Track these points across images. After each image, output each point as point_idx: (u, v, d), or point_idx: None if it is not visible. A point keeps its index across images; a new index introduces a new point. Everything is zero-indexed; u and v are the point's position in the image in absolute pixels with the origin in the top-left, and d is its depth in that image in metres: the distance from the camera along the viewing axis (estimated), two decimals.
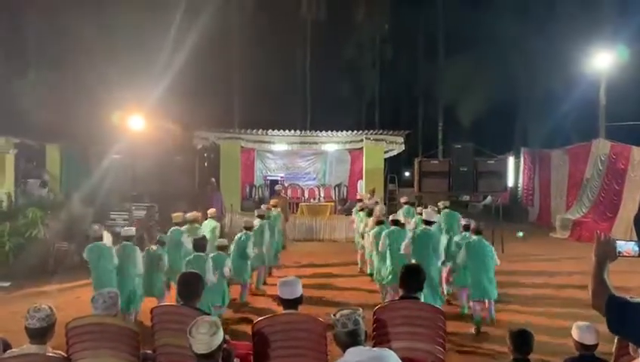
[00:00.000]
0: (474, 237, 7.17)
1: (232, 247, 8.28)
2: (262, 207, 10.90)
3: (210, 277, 6.36)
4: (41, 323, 3.58)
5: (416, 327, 3.91)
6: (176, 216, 8.89)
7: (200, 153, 17.90)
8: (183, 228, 8.70)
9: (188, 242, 7.93)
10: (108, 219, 12.34)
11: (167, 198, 13.56)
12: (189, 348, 2.93)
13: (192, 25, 18.15)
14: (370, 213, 10.04)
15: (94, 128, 13.84)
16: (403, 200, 11.80)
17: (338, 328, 2.98)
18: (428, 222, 7.11)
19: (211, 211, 10.17)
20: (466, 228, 7.62)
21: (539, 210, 19.25)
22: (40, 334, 3.59)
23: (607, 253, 2.35)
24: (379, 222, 8.44)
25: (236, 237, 8.74)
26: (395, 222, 7.72)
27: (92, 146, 14.53)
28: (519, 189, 20.75)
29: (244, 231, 8.75)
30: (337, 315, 3.03)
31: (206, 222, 9.86)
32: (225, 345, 3.12)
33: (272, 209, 11.25)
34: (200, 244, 6.80)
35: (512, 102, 24.48)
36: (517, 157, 20.90)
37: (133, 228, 7.92)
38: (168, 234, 8.49)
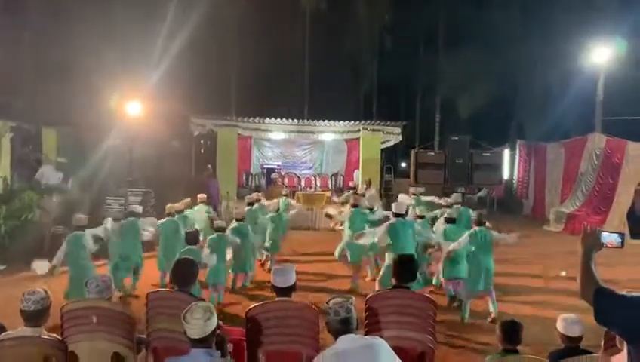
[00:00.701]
0: (476, 228, 7.08)
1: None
2: (253, 195, 10.69)
3: (208, 261, 6.38)
4: (35, 306, 3.62)
5: (407, 316, 3.95)
6: (169, 207, 8.92)
7: (197, 140, 17.88)
8: (175, 217, 8.71)
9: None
10: (104, 204, 12.35)
11: (163, 184, 13.56)
12: (184, 333, 2.98)
13: (190, 11, 18.05)
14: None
15: (92, 113, 13.80)
16: (412, 190, 11.64)
17: (331, 316, 3.02)
18: (398, 215, 7.13)
19: (201, 196, 10.20)
20: (479, 223, 7.16)
21: (533, 203, 19.34)
22: (35, 317, 3.63)
23: (593, 244, 2.43)
24: (354, 205, 8.61)
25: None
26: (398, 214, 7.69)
27: (89, 131, 14.47)
28: (514, 182, 20.84)
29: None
30: (330, 303, 3.07)
31: (197, 208, 9.88)
32: (218, 331, 3.17)
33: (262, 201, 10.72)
34: (192, 237, 6.80)
35: (509, 95, 24.47)
36: (513, 149, 20.96)
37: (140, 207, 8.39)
38: (160, 224, 8.52)
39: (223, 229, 7.78)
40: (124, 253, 7.92)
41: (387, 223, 7.29)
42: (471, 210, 9.27)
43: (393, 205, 7.75)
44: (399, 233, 7.07)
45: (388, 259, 7.11)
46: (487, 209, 14.69)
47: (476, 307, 7.22)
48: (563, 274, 8.53)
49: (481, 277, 6.90)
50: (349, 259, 8.62)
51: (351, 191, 12.82)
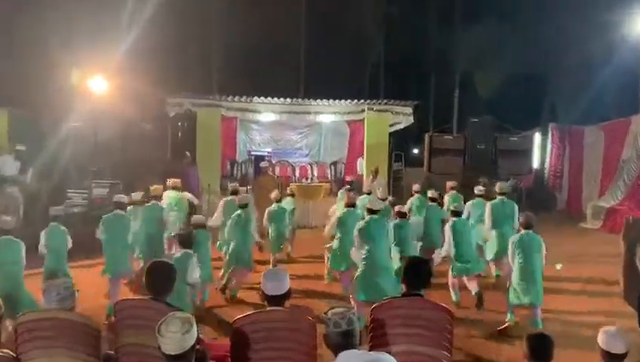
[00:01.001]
0: (523, 231, 7.14)
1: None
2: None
3: (195, 275, 6.39)
4: None
5: (419, 329, 3.96)
6: (135, 194, 9.25)
7: (173, 122, 17.82)
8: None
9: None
10: (65, 199, 12.34)
11: (133, 175, 13.55)
12: (158, 349, 2.99)
13: None
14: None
15: (49, 91, 13.73)
16: (415, 188, 11.68)
17: (330, 328, 3.04)
18: (372, 211, 7.20)
19: (173, 181, 10.24)
20: (527, 225, 7.21)
21: (568, 196, 19.39)
22: None
23: (636, 237, 2.39)
24: (350, 205, 8.53)
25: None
26: (401, 214, 8.16)
27: (47, 112, 14.41)
28: (546, 171, 20.85)
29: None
30: (329, 313, 3.10)
31: (165, 193, 10.02)
32: (198, 346, 3.18)
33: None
34: (186, 240, 6.80)
35: (540, 70, 24.45)
36: (544, 134, 20.95)
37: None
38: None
39: (202, 226, 8.03)
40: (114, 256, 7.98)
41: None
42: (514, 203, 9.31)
43: (369, 201, 7.90)
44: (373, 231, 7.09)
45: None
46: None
47: (497, 318, 7.29)
48: (558, 267, 8.55)
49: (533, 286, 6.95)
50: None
51: (345, 187, 12.63)
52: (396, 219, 8.19)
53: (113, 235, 8.02)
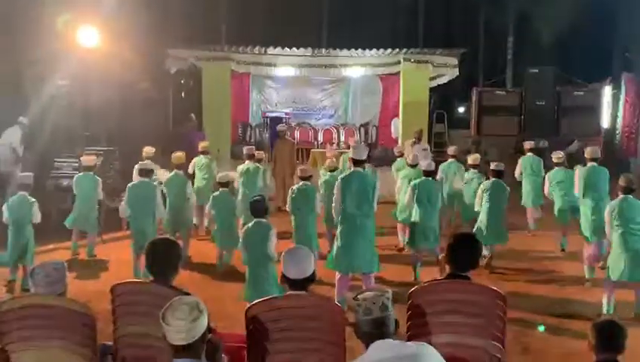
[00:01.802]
0: (621, 196, 7.25)
1: None
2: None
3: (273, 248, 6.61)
4: None
5: (466, 316, 3.97)
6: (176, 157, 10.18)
7: (175, 79, 17.88)
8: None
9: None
10: (52, 169, 12.51)
11: (131, 140, 13.65)
12: (162, 338, 3.03)
13: None
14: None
15: (32, 42, 13.77)
16: (450, 151, 11.84)
17: (360, 315, 3.06)
18: (357, 162, 7.38)
19: (177, 155, 10.45)
20: (628, 190, 7.33)
21: None
22: None
23: None
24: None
25: None
26: (428, 173, 9.01)
27: (28, 67, 14.50)
28: (618, 132, 20.51)
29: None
30: (359, 298, 3.10)
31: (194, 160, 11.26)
32: (210, 335, 3.22)
33: None
34: (259, 208, 6.87)
35: (611, 9, 23.82)
36: (616, 87, 20.56)
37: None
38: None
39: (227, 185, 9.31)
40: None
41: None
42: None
43: (351, 148, 8.31)
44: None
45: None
46: None
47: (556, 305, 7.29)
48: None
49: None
50: None
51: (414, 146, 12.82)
52: None
53: (139, 206, 8.66)
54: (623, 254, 7.04)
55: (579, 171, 9.03)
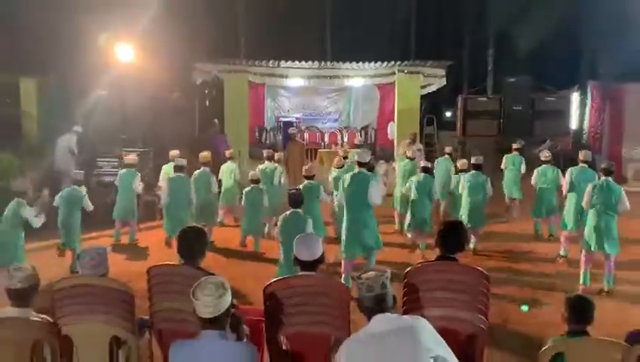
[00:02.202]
0: (603, 178, 7.36)
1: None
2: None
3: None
4: (22, 283, 3.75)
5: (454, 293, 3.96)
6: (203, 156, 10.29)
7: (200, 90, 17.84)
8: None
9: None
10: (95, 167, 12.56)
11: (162, 143, 13.69)
12: (192, 313, 3.04)
13: None
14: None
15: (76, 59, 13.80)
16: (447, 150, 11.99)
17: (363, 292, 3.05)
18: (361, 164, 7.51)
19: (204, 155, 10.50)
20: (608, 172, 7.46)
21: (608, 159, 18.95)
22: (22, 296, 3.76)
23: None
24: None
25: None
26: (425, 169, 9.17)
27: (74, 80, 14.55)
28: (584, 133, 20.39)
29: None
30: (362, 277, 3.10)
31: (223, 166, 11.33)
32: (233, 310, 3.23)
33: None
34: (296, 199, 6.94)
35: (580, 23, 23.64)
36: (583, 93, 20.43)
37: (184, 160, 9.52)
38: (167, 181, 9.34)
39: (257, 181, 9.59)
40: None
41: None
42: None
43: (357, 153, 8.43)
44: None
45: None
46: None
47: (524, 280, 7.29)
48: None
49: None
50: None
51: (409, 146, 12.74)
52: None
53: (175, 197, 8.90)
54: (595, 228, 7.14)
55: (569, 171, 8.84)
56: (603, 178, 7.31)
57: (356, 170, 7.54)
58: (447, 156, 11.87)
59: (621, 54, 20.78)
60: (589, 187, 7.33)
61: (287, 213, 6.77)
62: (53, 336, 3.83)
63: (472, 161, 9.65)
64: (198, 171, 9.91)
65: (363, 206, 7.29)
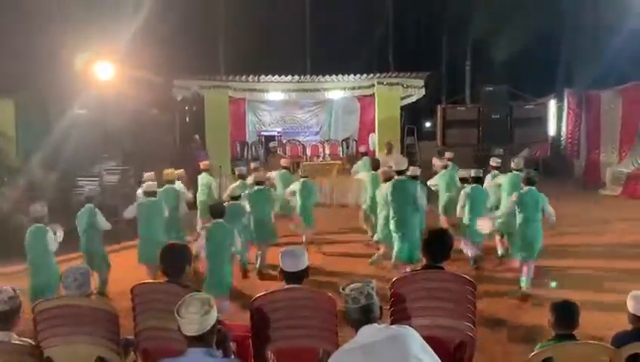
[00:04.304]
0: (525, 188, 7.46)
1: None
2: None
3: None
4: (3, 306, 3.67)
5: (442, 301, 3.96)
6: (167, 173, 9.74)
7: (180, 106, 17.78)
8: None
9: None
10: (74, 187, 12.41)
11: (143, 160, 13.58)
12: (177, 331, 3.00)
13: None
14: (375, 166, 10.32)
15: (55, 77, 13.67)
16: (448, 155, 11.89)
17: (349, 304, 3.04)
18: (399, 172, 7.93)
19: (179, 172, 10.25)
20: (530, 182, 7.50)
21: (586, 163, 19.20)
22: (3, 319, 3.68)
23: None
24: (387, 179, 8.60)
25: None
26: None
27: (52, 99, 14.40)
28: (562, 139, 20.65)
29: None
30: (347, 289, 3.08)
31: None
32: (219, 326, 3.19)
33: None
34: (218, 211, 6.93)
35: (554, 34, 24.04)
36: (560, 100, 20.71)
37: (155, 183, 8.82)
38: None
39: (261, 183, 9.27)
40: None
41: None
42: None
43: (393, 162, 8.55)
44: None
45: None
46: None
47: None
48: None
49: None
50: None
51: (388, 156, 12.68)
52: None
53: (148, 223, 8.33)
54: (520, 237, 7.40)
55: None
56: (527, 188, 7.41)
57: (396, 177, 7.88)
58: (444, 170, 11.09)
59: (595, 62, 21.17)
60: (513, 198, 7.51)
61: (209, 224, 6.84)
62: (36, 359, 3.76)
63: (472, 174, 9.21)
64: (160, 190, 9.21)
65: (407, 209, 7.73)
